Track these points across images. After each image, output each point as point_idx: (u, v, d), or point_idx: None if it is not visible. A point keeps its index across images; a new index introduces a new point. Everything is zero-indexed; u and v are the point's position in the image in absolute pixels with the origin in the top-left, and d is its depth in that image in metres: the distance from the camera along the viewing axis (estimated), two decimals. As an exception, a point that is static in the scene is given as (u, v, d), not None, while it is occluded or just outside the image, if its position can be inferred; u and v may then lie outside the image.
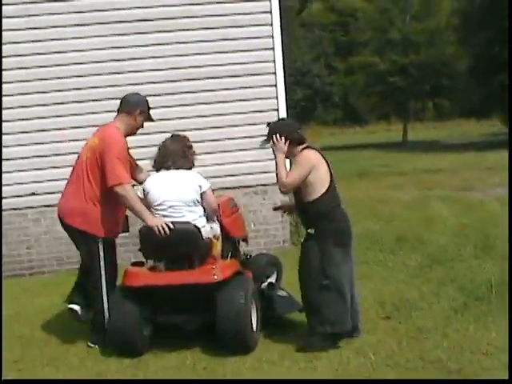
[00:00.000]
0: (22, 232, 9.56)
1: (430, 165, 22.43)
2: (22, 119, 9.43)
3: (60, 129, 9.48)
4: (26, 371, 5.67)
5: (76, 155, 6.40)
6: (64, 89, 9.44)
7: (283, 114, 9.67)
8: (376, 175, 20.38)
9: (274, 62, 9.70)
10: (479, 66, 34.33)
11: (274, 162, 5.79)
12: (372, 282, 7.72)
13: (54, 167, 9.37)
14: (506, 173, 16.72)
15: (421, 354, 5.44)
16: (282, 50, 9.72)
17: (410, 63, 40.18)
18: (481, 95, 34.18)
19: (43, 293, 8.41)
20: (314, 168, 5.64)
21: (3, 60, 9.30)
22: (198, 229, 5.76)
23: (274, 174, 5.74)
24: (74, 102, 9.45)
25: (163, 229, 5.69)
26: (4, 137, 9.37)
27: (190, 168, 6.03)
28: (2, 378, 5.47)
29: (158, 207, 5.85)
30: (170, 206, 5.82)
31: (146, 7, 9.54)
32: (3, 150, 9.37)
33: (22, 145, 9.44)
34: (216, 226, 6.12)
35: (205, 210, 5.97)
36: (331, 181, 5.74)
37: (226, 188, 8.77)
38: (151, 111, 6.39)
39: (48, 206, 9.40)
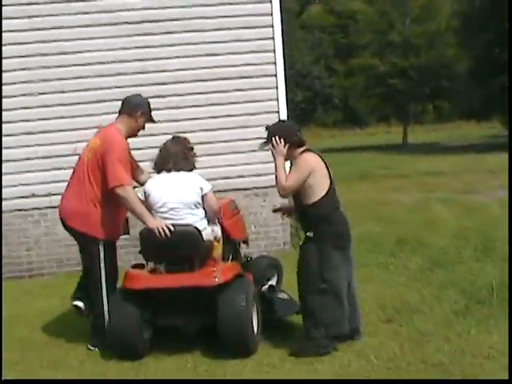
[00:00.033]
0: (22, 234, 9.53)
1: (430, 167, 22.42)
2: (23, 120, 9.39)
3: (58, 131, 9.44)
4: (26, 374, 5.64)
5: (76, 157, 6.38)
6: (66, 90, 9.42)
7: (284, 116, 9.65)
8: (376, 177, 20.36)
9: (275, 64, 9.68)
10: (479, 68, 34.33)
11: (273, 164, 5.76)
12: (373, 284, 7.70)
13: (54, 169, 9.33)
14: (506, 175, 16.71)
15: (422, 357, 5.42)
16: (283, 52, 9.69)
17: (410, 66, 40.15)
18: (481, 97, 34.18)
19: (43, 295, 8.39)
20: (314, 171, 5.61)
21: (5, 61, 9.27)
22: (199, 231, 5.74)
23: (274, 177, 5.72)
24: (75, 103, 9.43)
25: (164, 231, 5.67)
26: (4, 138, 9.33)
27: (190, 170, 6.00)
28: (2, 378, 5.45)
29: (158, 209, 5.83)
30: (171, 209, 5.79)
31: (150, 8, 9.52)
32: (3, 151, 9.33)
33: (22, 146, 9.40)
34: (217, 229, 6.10)
35: (206, 213, 5.95)
36: (331, 184, 5.72)
37: (226, 190, 8.72)
38: (153, 113, 6.37)
39: (48, 207, 9.38)
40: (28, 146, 9.43)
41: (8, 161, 9.36)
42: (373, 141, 42.70)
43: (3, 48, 9.26)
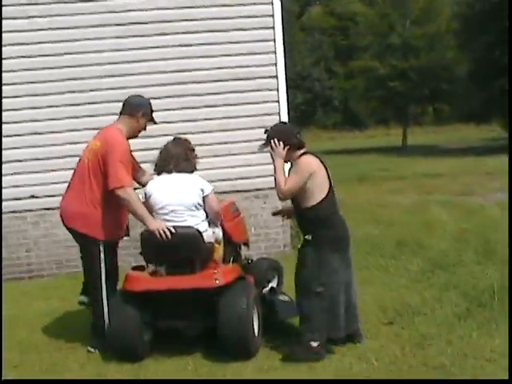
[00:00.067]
0: (21, 235, 9.50)
1: (429, 169, 22.40)
2: (23, 121, 9.36)
3: (59, 132, 9.42)
4: (25, 376, 5.61)
5: (76, 158, 6.36)
6: (64, 91, 9.40)
7: (284, 117, 9.64)
8: (376, 179, 20.35)
9: (276, 65, 9.67)
10: (479, 70, 34.30)
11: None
12: (373, 287, 7.69)
13: (54, 170, 9.32)
14: (506, 178, 16.69)
15: (424, 360, 5.42)
16: (284, 53, 9.68)
17: (410, 68, 40.12)
18: (481, 100, 34.16)
19: (42, 296, 8.37)
20: (313, 174, 5.58)
21: (5, 62, 9.24)
22: (200, 233, 5.72)
23: (274, 179, 5.69)
24: (74, 104, 9.40)
25: (165, 233, 5.65)
26: (3, 139, 9.30)
27: (192, 171, 5.98)
28: (2, 378, 5.42)
29: (159, 211, 5.81)
30: (172, 211, 5.77)
31: (144, 10, 9.49)
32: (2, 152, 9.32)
33: (21, 147, 9.37)
34: (218, 231, 6.07)
35: (207, 214, 5.93)
36: (330, 187, 5.68)
37: (227, 192, 8.70)
38: (154, 114, 6.35)
39: (47, 209, 9.36)
40: (27, 147, 9.39)
41: (7, 162, 9.32)
42: (372, 143, 42.69)
43: (7, 48, 9.24)
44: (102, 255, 6.02)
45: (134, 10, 9.45)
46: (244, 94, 9.72)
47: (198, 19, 9.58)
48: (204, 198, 5.84)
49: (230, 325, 5.52)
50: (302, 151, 5.74)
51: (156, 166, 5.99)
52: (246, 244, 6.89)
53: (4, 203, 9.29)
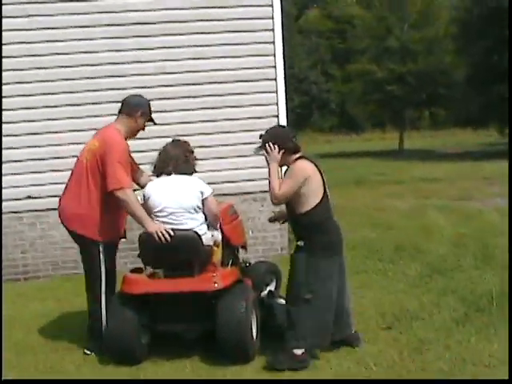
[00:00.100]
0: (18, 236, 9.45)
1: (426, 173, 22.39)
2: (20, 121, 9.32)
3: (56, 132, 9.38)
4: (22, 377, 5.57)
5: (74, 158, 6.32)
6: (60, 91, 9.36)
7: (283, 120, 9.61)
8: (373, 183, 20.33)
9: (275, 67, 9.64)
10: (477, 75, 34.30)
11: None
12: (372, 291, 7.69)
13: (51, 170, 9.27)
14: (504, 183, 16.72)
15: (423, 365, 5.40)
16: (283, 56, 9.65)
17: (407, 72, 40.12)
18: (479, 105, 34.13)
19: (38, 297, 8.33)
20: (308, 179, 5.50)
21: (3, 60, 9.21)
22: (199, 236, 5.68)
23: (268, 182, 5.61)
24: (72, 105, 9.36)
25: (163, 235, 5.61)
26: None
27: (191, 173, 5.94)
28: (2, 378, 5.39)
29: (158, 213, 5.77)
30: (171, 213, 5.73)
31: (147, 10, 9.46)
32: (-2, 152, 9.28)
33: (18, 147, 9.32)
34: (217, 234, 6.04)
35: (206, 217, 5.89)
36: (324, 192, 5.61)
37: (224, 194, 8.67)
38: (153, 115, 6.33)
39: (44, 210, 9.32)
40: (24, 148, 9.34)
41: (4, 162, 9.27)
42: (369, 146, 42.69)
43: (5, 47, 9.19)
44: (102, 256, 5.99)
45: (134, 11, 9.40)
46: (242, 96, 9.67)
47: (195, 21, 9.54)
48: (203, 201, 5.80)
49: (229, 328, 5.48)
50: (297, 155, 5.68)
51: (155, 167, 5.95)
52: (244, 247, 6.86)
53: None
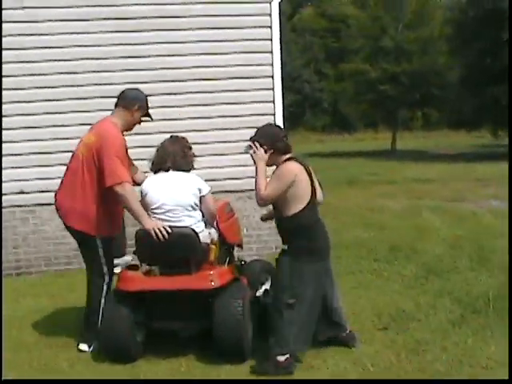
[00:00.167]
0: (10, 231, 9.37)
1: (419, 174, 22.38)
2: (12, 115, 9.24)
3: (51, 126, 9.30)
4: (17, 375, 5.52)
5: (68, 153, 6.27)
6: (57, 85, 9.27)
7: (279, 118, 9.58)
8: (365, 183, 20.30)
9: (272, 65, 9.59)
10: (471, 76, 34.31)
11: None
12: (367, 291, 7.67)
13: (44, 165, 9.21)
14: (498, 185, 16.77)
15: (420, 366, 5.39)
16: (281, 53, 9.60)
17: (401, 72, 40.14)
18: (473, 106, 34.14)
19: (31, 293, 8.25)
20: (295, 182, 5.36)
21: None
22: (196, 233, 5.63)
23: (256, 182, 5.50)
24: (67, 99, 9.28)
25: (160, 232, 5.55)
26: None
27: (189, 170, 5.89)
28: (2, 378, 5.34)
29: (155, 210, 5.71)
30: (168, 210, 5.68)
31: (143, 4, 9.38)
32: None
33: (11, 141, 9.24)
34: (214, 232, 6.00)
35: (203, 215, 5.84)
36: (312, 195, 5.49)
37: (220, 192, 8.62)
38: (150, 111, 6.27)
39: (37, 204, 9.26)
40: (17, 142, 9.26)
41: (-3, 156, 9.21)
42: (361, 146, 42.71)
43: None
44: (101, 251, 5.94)
45: (129, 5, 9.32)
46: (238, 93, 9.62)
47: (193, 16, 9.48)
48: (201, 198, 5.76)
49: (226, 326, 5.45)
50: (287, 156, 5.55)
51: (153, 163, 5.90)
52: (240, 245, 6.81)
53: (-7, 198, 9.18)
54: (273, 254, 9.51)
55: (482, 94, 32.27)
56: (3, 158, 9.20)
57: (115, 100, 6.19)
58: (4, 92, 9.15)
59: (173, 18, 9.44)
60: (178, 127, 8.64)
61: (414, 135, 51.95)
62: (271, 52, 9.56)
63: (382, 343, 5.92)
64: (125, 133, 6.14)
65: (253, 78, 9.60)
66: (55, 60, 9.25)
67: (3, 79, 9.13)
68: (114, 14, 9.31)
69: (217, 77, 9.53)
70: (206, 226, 5.88)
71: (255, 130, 5.74)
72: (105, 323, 5.72)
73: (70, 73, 9.28)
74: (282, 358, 5.34)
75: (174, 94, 9.48)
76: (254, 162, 5.51)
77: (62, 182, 6.13)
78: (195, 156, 6.03)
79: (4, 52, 9.10)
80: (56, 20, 9.21)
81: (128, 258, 6.44)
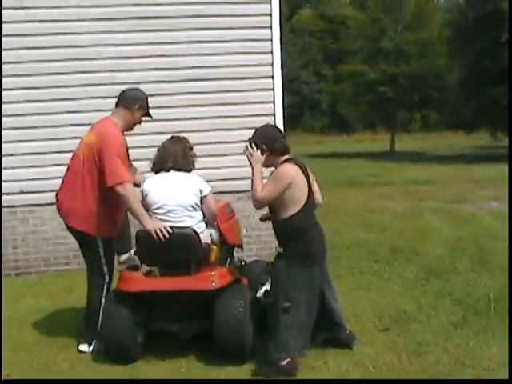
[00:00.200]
0: (10, 231, 9.34)
1: (418, 176, 22.37)
2: (13, 115, 9.21)
3: (51, 126, 9.27)
4: (14, 376, 5.49)
5: (68, 153, 6.25)
6: (58, 85, 9.25)
7: (280, 118, 9.56)
8: (365, 184, 20.26)
9: (272, 65, 9.57)
10: (470, 78, 34.32)
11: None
12: (368, 292, 7.65)
13: (44, 165, 9.17)
14: (497, 186, 16.75)
15: (421, 367, 5.37)
16: (281, 54, 9.58)
17: (400, 73, 40.13)
18: (473, 108, 34.12)
19: (30, 294, 8.23)
20: (291, 184, 5.30)
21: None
22: (197, 234, 5.61)
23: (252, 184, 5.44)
24: (68, 99, 9.26)
25: (161, 233, 5.53)
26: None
27: (190, 170, 5.88)
28: (2, 378, 5.31)
29: (156, 211, 5.69)
30: (169, 211, 5.66)
31: (143, 5, 9.36)
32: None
33: (11, 141, 9.21)
34: (215, 232, 5.98)
35: (204, 215, 5.82)
36: (308, 198, 5.43)
37: (220, 192, 8.60)
38: (151, 111, 6.26)
39: (37, 205, 9.23)
40: (17, 142, 9.23)
41: (-3, 156, 9.18)
42: (360, 147, 42.70)
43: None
44: (102, 251, 5.92)
45: (130, 5, 9.30)
46: (238, 94, 9.59)
47: (193, 16, 9.46)
48: (202, 199, 5.74)
49: (227, 327, 5.43)
50: (285, 157, 5.50)
51: (154, 164, 5.88)
52: (240, 246, 6.79)
53: (-7, 198, 9.15)
54: (273, 254, 9.39)
55: (481, 95, 32.25)
56: (3, 158, 9.16)
57: (123, 101, 6.16)
58: (4, 92, 9.13)
59: (173, 18, 9.40)
60: (178, 127, 8.61)
61: (413, 137, 51.97)
62: (271, 52, 9.53)
63: (383, 344, 5.90)
64: (124, 133, 6.13)
65: (253, 78, 9.58)
66: (54, 60, 9.24)
67: (3, 80, 9.11)
68: (114, 14, 9.28)
69: (217, 77, 9.49)
70: (206, 226, 5.86)
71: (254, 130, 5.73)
72: (105, 324, 5.70)
73: (69, 73, 9.24)
74: (283, 362, 5.30)
75: (172, 94, 9.44)
76: (250, 164, 5.46)
77: (62, 182, 6.11)
78: (196, 156, 6.01)
79: (4, 52, 9.08)
80: (56, 20, 9.19)
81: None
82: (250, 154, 5.44)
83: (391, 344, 5.91)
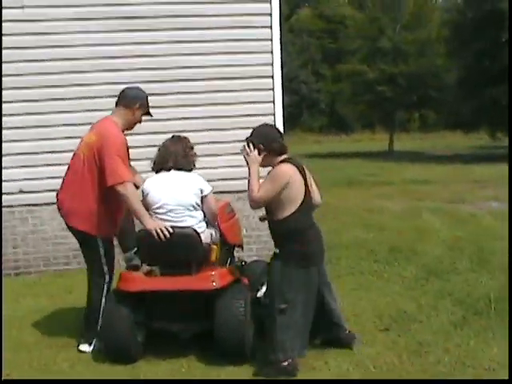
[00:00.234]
0: (9, 231, 9.32)
1: (417, 175, 22.39)
2: (12, 115, 9.19)
3: (51, 126, 9.26)
4: (14, 376, 5.48)
5: (68, 153, 6.24)
6: (57, 85, 9.24)
7: (279, 118, 9.56)
8: (363, 184, 20.27)
9: (272, 65, 9.56)
10: (469, 78, 34.33)
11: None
12: (368, 292, 7.64)
13: (44, 165, 9.16)
14: (497, 186, 16.76)
15: (422, 368, 5.36)
16: (281, 53, 9.57)
17: (399, 73, 40.12)
18: (471, 108, 34.13)
19: (30, 294, 8.21)
20: (288, 185, 5.27)
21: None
22: (198, 233, 5.60)
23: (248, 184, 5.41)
24: (67, 99, 9.24)
25: (162, 232, 5.53)
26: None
27: (190, 169, 5.87)
28: (2, 378, 5.30)
29: (157, 210, 5.68)
30: (170, 210, 5.65)
31: (142, 4, 9.34)
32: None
33: (11, 141, 9.19)
34: (216, 232, 5.98)
35: (204, 215, 5.81)
36: (305, 198, 5.39)
37: (219, 192, 8.59)
38: (151, 110, 6.25)
39: (36, 204, 9.21)
40: (17, 141, 9.21)
41: (-4, 156, 9.17)
42: (358, 147, 42.71)
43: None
44: (102, 250, 5.91)
45: (130, 5, 9.28)
46: (238, 93, 9.58)
47: (193, 16, 9.44)
48: (202, 198, 5.73)
49: (228, 327, 5.42)
50: (282, 157, 5.48)
51: (154, 163, 5.87)
52: (240, 246, 6.79)
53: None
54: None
55: (480, 95, 32.25)
56: (3, 158, 9.15)
57: (123, 100, 6.15)
58: (4, 92, 9.11)
59: (172, 17, 9.39)
60: (178, 127, 8.61)
61: (411, 136, 51.98)
62: (271, 52, 9.53)
63: (383, 345, 5.89)
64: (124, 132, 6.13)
65: (253, 78, 9.57)
66: (52, 60, 9.23)
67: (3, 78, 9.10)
68: (114, 13, 9.26)
69: (215, 77, 9.48)
70: (207, 226, 5.86)
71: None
72: (105, 323, 5.70)
73: (69, 72, 9.24)
74: (284, 364, 5.29)
75: (172, 94, 9.42)
76: (247, 164, 5.45)
77: (63, 181, 6.10)
78: (197, 156, 6.00)
79: (4, 51, 9.06)
80: (56, 20, 9.18)
81: None
82: (247, 154, 5.43)
83: (392, 344, 5.91)
